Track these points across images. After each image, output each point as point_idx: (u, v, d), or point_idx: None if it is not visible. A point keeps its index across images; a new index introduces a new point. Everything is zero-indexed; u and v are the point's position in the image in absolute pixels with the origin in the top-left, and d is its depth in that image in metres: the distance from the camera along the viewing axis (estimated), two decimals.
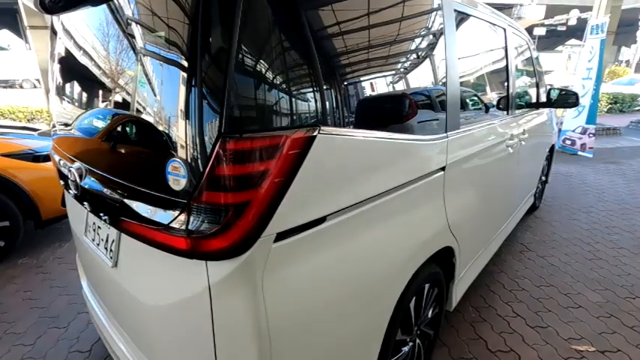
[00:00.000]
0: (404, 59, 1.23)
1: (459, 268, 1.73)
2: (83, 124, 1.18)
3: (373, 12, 1.05)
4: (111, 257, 1.14)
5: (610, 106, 11.02)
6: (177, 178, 0.78)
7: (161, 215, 0.83)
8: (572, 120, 6.07)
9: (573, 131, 6.05)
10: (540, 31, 26.28)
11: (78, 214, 1.43)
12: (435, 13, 1.35)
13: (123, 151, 1.01)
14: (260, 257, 0.79)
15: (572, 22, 22.53)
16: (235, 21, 0.71)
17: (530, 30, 27.40)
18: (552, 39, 35.93)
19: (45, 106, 8.76)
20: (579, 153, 5.90)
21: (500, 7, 28.32)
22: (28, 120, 8.15)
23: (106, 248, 1.18)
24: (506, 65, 2.11)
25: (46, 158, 2.78)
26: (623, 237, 3.12)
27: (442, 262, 1.59)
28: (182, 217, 0.78)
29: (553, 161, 3.87)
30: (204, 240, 0.78)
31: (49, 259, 2.75)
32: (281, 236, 0.82)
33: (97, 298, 1.49)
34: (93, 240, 1.28)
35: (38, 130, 3.39)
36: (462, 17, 1.55)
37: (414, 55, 1.28)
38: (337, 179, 0.93)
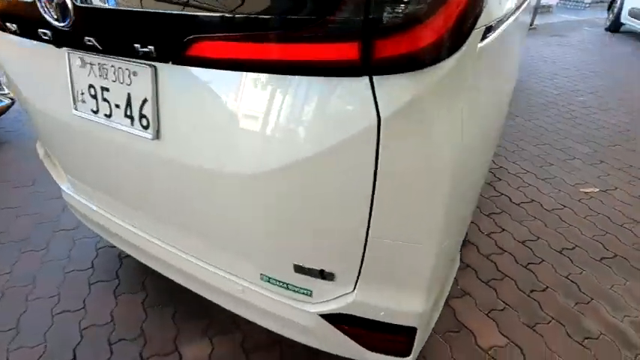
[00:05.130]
0: None
1: None
2: None
3: None
4: (146, 126, 0.78)
5: None
6: None
7: None
8: None
9: None
10: None
11: (45, 83, 0.96)
12: None
13: None
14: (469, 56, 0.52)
15: None
16: None
17: None
18: None
19: None
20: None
21: None
22: None
23: (131, 116, 0.80)
24: None
25: None
26: (589, 98, 3.34)
27: None
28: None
29: None
30: (386, 39, 0.48)
31: None
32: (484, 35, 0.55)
33: (110, 202, 1.12)
34: (96, 112, 0.87)
35: None
36: None
37: None
38: None
